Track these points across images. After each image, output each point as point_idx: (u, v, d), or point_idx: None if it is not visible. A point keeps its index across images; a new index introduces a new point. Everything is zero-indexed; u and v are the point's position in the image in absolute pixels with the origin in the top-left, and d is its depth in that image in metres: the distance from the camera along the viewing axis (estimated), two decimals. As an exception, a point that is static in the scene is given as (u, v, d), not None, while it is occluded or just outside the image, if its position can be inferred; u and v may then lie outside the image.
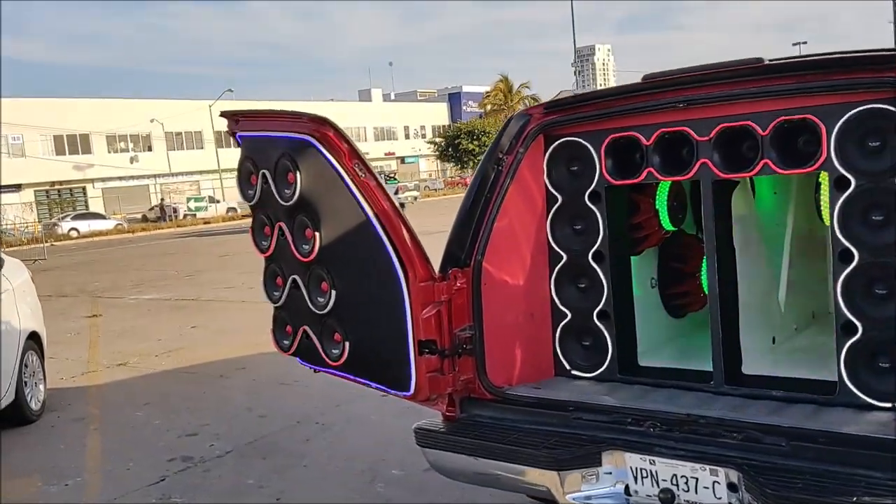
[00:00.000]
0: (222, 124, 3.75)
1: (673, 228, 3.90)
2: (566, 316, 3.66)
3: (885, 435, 2.63)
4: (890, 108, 2.73)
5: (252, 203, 3.63)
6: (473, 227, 3.51)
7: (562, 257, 3.64)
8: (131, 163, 59.41)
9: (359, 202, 3.28)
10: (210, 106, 54.95)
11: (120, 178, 58.50)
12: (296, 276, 3.57)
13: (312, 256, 3.41)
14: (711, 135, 3.15)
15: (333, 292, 3.40)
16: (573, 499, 3.04)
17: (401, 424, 5.79)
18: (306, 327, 3.63)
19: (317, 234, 3.36)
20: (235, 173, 3.70)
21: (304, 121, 3.30)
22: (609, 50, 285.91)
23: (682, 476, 2.86)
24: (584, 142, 3.51)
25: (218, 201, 54.15)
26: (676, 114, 3.22)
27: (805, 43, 64.51)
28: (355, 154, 3.27)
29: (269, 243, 3.64)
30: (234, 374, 7.89)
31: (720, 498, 2.78)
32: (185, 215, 49.38)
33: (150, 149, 60.76)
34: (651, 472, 2.93)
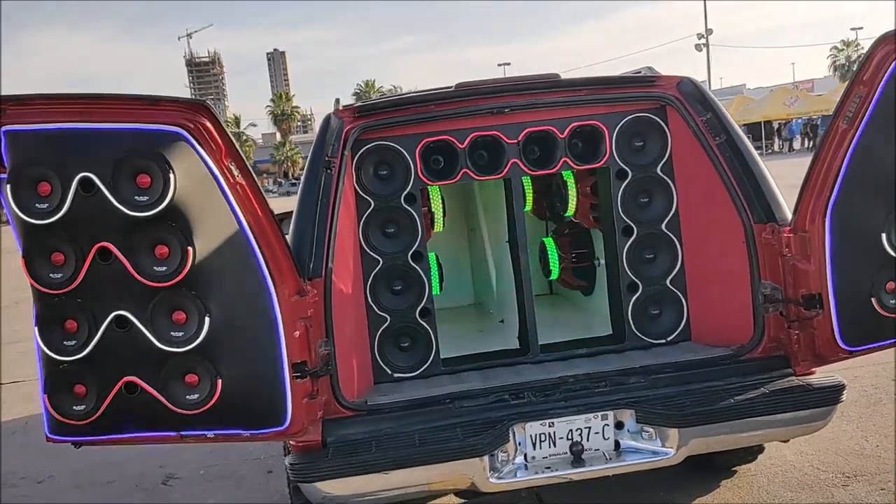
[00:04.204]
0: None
1: (441, 230, 4.21)
2: (385, 320, 3.65)
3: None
4: None
5: (47, 221, 2.63)
6: (317, 234, 3.25)
7: (378, 261, 3.63)
8: None
9: (233, 208, 2.77)
10: None
11: None
12: (124, 312, 2.74)
13: (175, 280, 2.69)
14: (520, 138, 3.64)
15: (207, 320, 2.76)
16: (499, 479, 3.15)
17: None
18: (134, 378, 2.81)
19: (189, 249, 2.68)
20: (7, 182, 2.62)
21: (171, 108, 2.62)
22: None
23: (577, 429, 3.26)
24: (396, 146, 3.59)
25: None
26: (488, 119, 3.61)
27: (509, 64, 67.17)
28: (232, 150, 2.74)
29: (68, 274, 2.69)
30: None
31: (608, 438, 3.28)
32: None
33: None
34: (550, 434, 3.25)
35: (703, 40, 49.38)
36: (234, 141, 2.75)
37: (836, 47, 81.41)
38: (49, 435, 2.96)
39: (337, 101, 4.05)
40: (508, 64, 66.95)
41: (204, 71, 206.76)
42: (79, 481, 5.27)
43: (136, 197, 2.62)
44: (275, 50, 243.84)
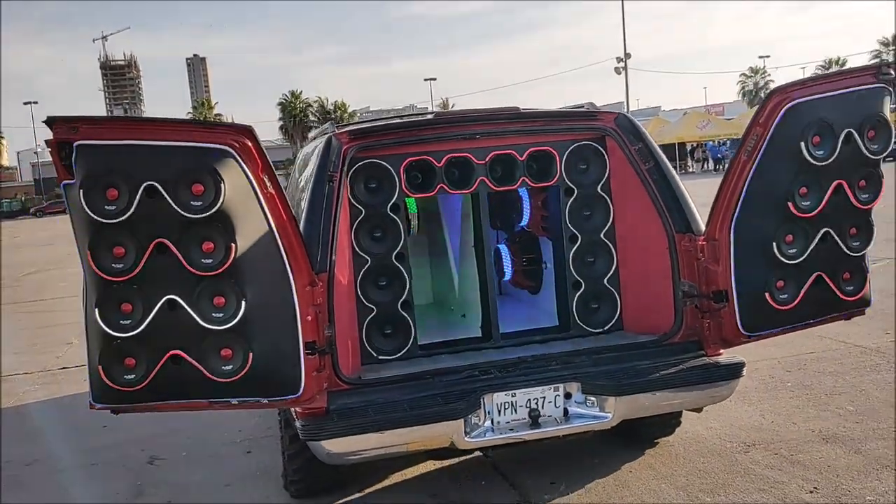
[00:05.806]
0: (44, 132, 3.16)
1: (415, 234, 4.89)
2: (372, 311, 4.30)
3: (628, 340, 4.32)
4: None
5: (114, 220, 3.19)
6: (322, 236, 3.88)
7: (367, 260, 4.28)
8: None
9: (265, 213, 3.39)
10: None
11: None
12: (174, 296, 3.32)
13: (219, 270, 3.29)
14: (486, 159, 4.37)
15: (243, 304, 3.36)
16: (472, 439, 3.84)
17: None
18: (178, 352, 3.38)
19: (232, 245, 3.29)
20: (78, 187, 3.17)
21: (223, 130, 3.23)
22: None
23: (534, 399, 3.98)
24: (384, 163, 4.26)
25: None
26: (461, 143, 4.32)
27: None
28: (267, 166, 3.37)
29: (128, 264, 3.26)
30: None
31: (559, 406, 4.02)
32: None
33: None
34: (512, 402, 3.97)
35: (621, 64, 51.65)
36: (269, 158, 3.38)
37: (745, 74, 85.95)
38: (93, 402, 3.50)
39: (332, 123, 4.69)
40: (434, 79, 68.25)
41: (119, 74, 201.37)
42: (62, 465, 5.71)
43: (191, 202, 3.21)
44: (194, 55, 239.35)
